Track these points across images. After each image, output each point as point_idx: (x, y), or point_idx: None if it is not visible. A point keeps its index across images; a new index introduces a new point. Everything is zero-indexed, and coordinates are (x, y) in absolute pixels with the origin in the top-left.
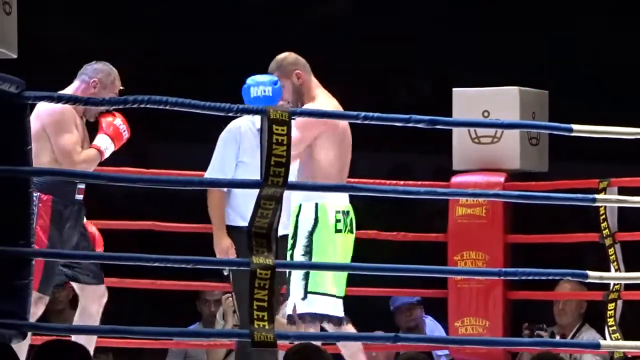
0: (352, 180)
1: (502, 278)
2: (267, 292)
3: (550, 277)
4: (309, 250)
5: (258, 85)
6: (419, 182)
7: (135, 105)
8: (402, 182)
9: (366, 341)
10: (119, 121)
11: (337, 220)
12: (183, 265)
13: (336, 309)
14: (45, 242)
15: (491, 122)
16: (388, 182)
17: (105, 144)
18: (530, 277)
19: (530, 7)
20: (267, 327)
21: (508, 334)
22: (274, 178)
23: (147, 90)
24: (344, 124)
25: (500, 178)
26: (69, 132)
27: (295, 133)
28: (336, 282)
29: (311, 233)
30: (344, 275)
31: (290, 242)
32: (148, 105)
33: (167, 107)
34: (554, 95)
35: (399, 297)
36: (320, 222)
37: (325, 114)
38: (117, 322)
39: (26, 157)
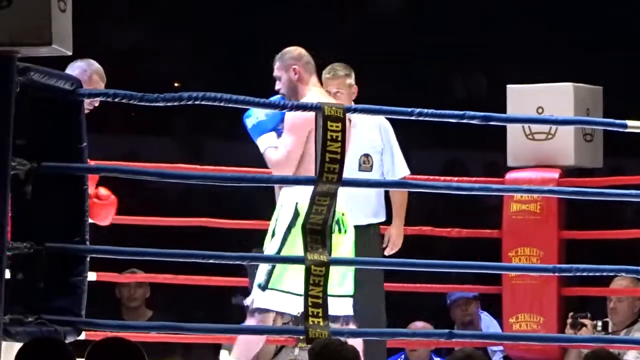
0: (407, 176)
1: (556, 274)
2: (322, 289)
3: (604, 274)
4: (281, 247)
5: (250, 115)
6: (473, 179)
7: (190, 102)
8: (456, 179)
9: (421, 338)
10: None
11: None
12: (238, 262)
13: (293, 307)
14: None
15: (545, 119)
16: (442, 178)
17: None
18: (584, 274)
19: (585, 3)
20: (321, 323)
21: (562, 330)
22: (328, 174)
23: (202, 87)
24: None
25: (555, 174)
26: None
27: (288, 139)
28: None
29: (288, 230)
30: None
31: (269, 238)
32: (202, 102)
33: (222, 104)
34: (608, 91)
35: (455, 291)
36: (298, 222)
37: (380, 111)
38: (170, 318)
39: (81, 154)
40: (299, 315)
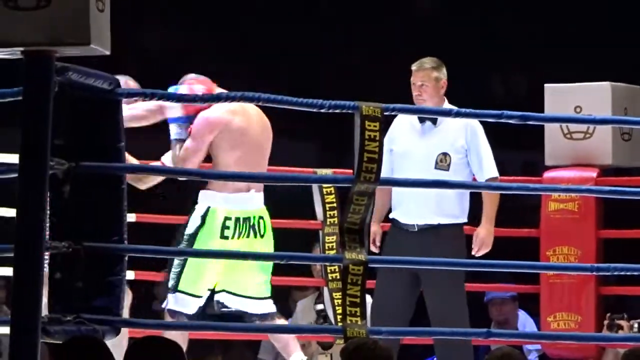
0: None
1: (594, 274)
2: (360, 288)
3: None
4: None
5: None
6: (511, 178)
7: (228, 102)
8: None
9: (460, 337)
10: None
11: (225, 227)
12: (276, 261)
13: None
14: None
15: (583, 118)
16: None
17: None
18: (622, 273)
19: (624, 2)
20: (359, 322)
21: (600, 329)
22: (366, 174)
23: (239, 87)
24: (243, 121)
25: (593, 173)
26: None
27: (189, 143)
28: (244, 282)
29: (193, 235)
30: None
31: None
32: (241, 102)
33: (260, 104)
34: None
35: (492, 291)
36: (206, 225)
37: (418, 110)
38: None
39: (119, 154)
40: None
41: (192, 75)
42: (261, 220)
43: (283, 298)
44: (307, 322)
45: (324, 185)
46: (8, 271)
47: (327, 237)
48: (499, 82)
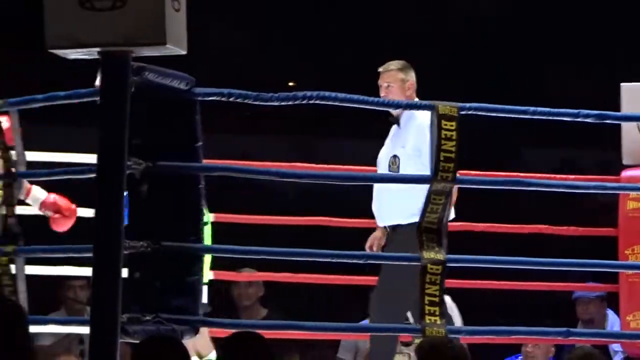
0: (520, 174)
1: None
2: (438, 288)
3: None
4: None
5: None
6: (588, 177)
7: (304, 102)
8: (571, 177)
9: (539, 336)
10: None
11: None
12: (355, 261)
13: None
14: None
15: None
16: (557, 176)
17: None
18: None
19: None
20: (438, 322)
21: None
22: (443, 173)
23: (314, 86)
24: None
25: None
26: None
27: None
28: None
29: None
30: None
31: None
32: (317, 102)
33: (336, 103)
34: None
35: (578, 290)
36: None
37: (495, 109)
38: (292, 316)
39: (196, 154)
40: None
41: None
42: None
43: (364, 297)
44: None
45: None
46: (88, 271)
47: None
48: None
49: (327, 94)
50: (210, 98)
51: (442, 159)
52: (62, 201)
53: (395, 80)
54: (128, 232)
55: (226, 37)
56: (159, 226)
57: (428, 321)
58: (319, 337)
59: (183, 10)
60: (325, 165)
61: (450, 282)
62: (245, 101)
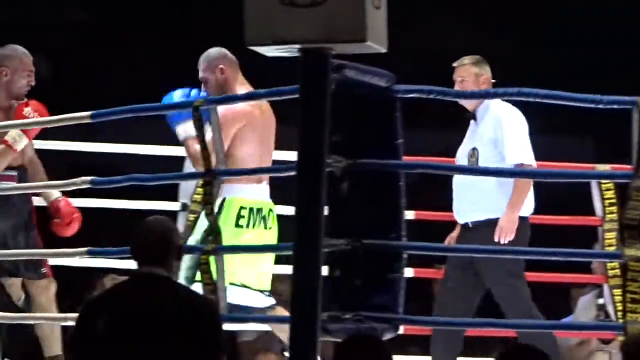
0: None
1: None
2: None
3: None
4: (208, 237)
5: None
6: None
7: (505, 97)
8: None
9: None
10: (28, 110)
11: (240, 216)
12: (552, 258)
13: (255, 301)
14: None
15: None
16: None
17: (13, 137)
18: None
19: None
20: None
21: None
22: None
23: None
24: (260, 115)
25: None
26: None
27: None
28: (256, 275)
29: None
30: (262, 268)
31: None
32: (518, 98)
33: (537, 100)
34: None
35: None
36: (223, 215)
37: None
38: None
39: (396, 151)
40: None
41: (216, 54)
42: (271, 213)
43: (563, 296)
44: (587, 319)
45: (603, 181)
46: (288, 269)
47: (606, 234)
48: None
49: (527, 90)
50: (411, 95)
51: None
52: (67, 208)
53: (470, 74)
54: (328, 230)
55: (432, 38)
56: (359, 224)
57: (630, 319)
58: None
59: (384, 8)
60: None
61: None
62: (446, 98)
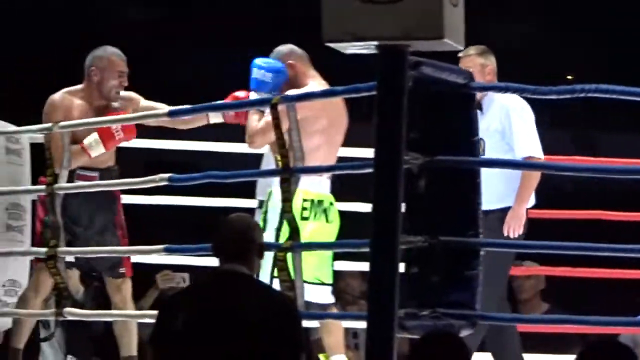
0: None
1: None
2: None
3: None
4: (278, 234)
5: (261, 68)
6: None
7: (582, 95)
8: None
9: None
10: (116, 126)
11: (304, 208)
12: (632, 255)
13: (320, 296)
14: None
15: None
16: None
17: (89, 142)
18: None
19: None
20: None
21: None
22: None
23: (596, 79)
24: (329, 107)
25: None
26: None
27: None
28: (320, 270)
29: (279, 221)
30: (327, 263)
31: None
32: (595, 94)
33: (615, 96)
34: None
35: None
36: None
37: None
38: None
39: (473, 147)
40: None
41: (284, 50)
42: (331, 206)
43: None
44: None
45: None
46: (364, 266)
47: None
48: None
49: (605, 86)
50: (483, 92)
51: None
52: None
53: (475, 64)
54: (405, 226)
55: (508, 30)
56: (436, 221)
57: None
58: (597, 332)
59: (461, 6)
60: (603, 159)
61: None
62: (523, 95)
